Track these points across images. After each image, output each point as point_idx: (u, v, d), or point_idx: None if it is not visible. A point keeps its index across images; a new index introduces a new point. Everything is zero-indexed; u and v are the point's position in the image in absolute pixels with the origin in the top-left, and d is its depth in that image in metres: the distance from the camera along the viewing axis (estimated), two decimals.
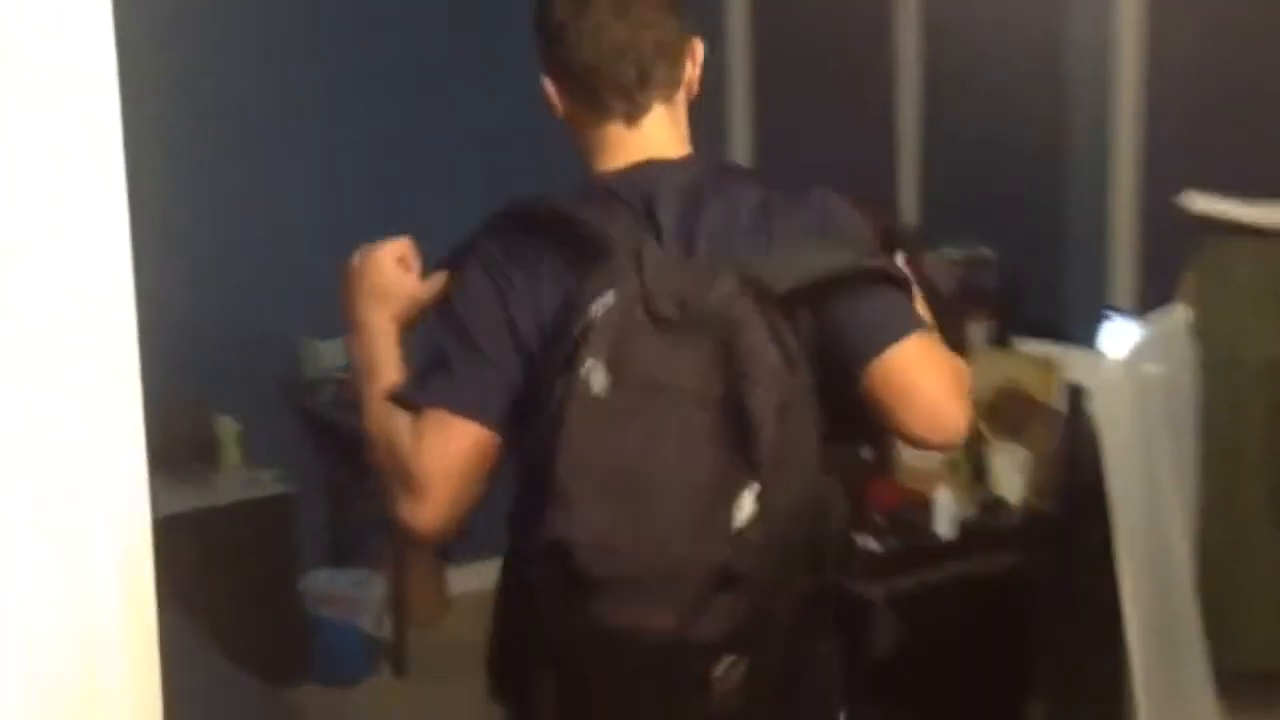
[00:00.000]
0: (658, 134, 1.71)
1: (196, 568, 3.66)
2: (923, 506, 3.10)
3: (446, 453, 1.64)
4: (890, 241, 1.93)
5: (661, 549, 1.49)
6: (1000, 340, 3.45)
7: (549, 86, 1.72)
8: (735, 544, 1.48)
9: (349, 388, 4.19)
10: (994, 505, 3.19)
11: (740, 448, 1.48)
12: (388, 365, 1.72)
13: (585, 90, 1.68)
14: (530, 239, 1.66)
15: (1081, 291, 3.67)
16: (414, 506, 1.65)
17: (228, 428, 4.14)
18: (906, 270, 1.70)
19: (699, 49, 1.74)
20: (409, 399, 1.67)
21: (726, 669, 1.53)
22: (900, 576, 2.98)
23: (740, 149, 5.04)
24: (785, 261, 1.61)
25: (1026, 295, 3.74)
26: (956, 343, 3.69)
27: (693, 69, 1.74)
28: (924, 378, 1.65)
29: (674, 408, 1.50)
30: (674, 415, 1.50)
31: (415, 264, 1.76)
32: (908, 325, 1.66)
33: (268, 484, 4.06)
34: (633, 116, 1.69)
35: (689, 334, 1.51)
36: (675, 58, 1.70)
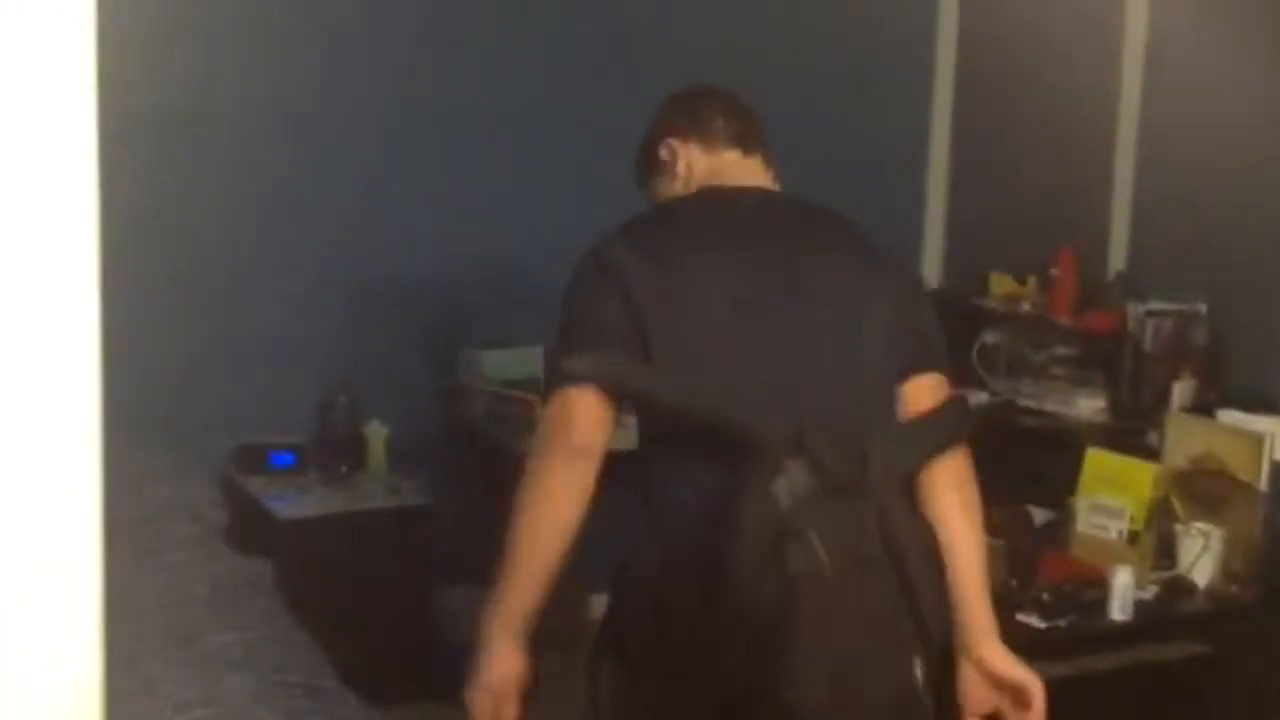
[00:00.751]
0: (761, 170, 2.24)
1: (323, 571, 3.58)
2: (1097, 584, 2.83)
3: (589, 413, 1.99)
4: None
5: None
6: (1202, 407, 3.16)
7: (674, 144, 2.22)
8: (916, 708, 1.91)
9: (503, 401, 4.12)
10: (1178, 588, 2.90)
11: (908, 612, 1.87)
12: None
13: (712, 134, 2.22)
14: None
15: None
16: (573, 463, 2.02)
17: (377, 431, 4.07)
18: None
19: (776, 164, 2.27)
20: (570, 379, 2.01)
21: None
22: (1063, 659, 2.72)
23: (938, 192, 4.83)
24: (912, 451, 2.00)
25: (1236, 357, 3.45)
26: (1159, 402, 3.45)
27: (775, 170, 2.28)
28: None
29: (854, 571, 1.82)
30: (856, 579, 1.82)
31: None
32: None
33: (410, 493, 3.96)
34: (746, 150, 2.22)
35: (847, 499, 1.84)
36: (765, 137, 2.26)
